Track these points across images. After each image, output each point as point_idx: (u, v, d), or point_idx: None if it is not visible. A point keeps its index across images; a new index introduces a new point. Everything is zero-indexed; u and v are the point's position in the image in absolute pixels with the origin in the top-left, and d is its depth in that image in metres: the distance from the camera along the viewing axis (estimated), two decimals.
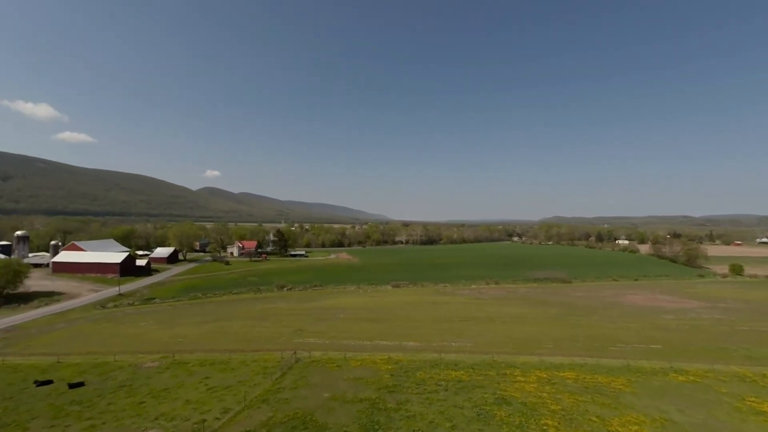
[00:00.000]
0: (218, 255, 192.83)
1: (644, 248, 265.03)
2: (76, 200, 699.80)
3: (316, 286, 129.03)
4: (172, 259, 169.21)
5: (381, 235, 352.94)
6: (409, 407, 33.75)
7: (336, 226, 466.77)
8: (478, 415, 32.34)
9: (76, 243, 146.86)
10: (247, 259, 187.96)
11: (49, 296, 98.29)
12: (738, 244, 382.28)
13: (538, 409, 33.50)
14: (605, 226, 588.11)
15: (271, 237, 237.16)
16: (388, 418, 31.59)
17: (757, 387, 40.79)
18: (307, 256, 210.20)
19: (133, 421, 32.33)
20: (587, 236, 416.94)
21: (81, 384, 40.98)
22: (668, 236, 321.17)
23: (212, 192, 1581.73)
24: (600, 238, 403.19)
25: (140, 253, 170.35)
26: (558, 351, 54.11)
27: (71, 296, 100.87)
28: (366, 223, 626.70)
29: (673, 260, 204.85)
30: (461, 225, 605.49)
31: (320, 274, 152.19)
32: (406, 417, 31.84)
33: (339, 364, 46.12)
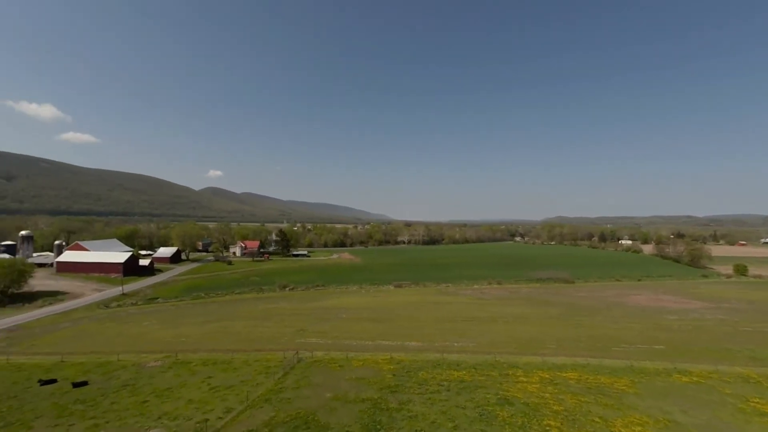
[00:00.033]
0: (221, 255, 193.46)
1: (647, 248, 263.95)
2: (79, 200, 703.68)
3: (318, 286, 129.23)
4: (175, 259, 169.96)
5: (383, 235, 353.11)
6: (411, 407, 33.72)
7: (338, 226, 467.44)
8: (481, 415, 32.28)
9: (79, 243, 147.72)
10: (250, 259, 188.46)
11: (53, 296, 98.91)
12: (742, 245, 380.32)
13: (541, 410, 33.39)
14: (608, 226, 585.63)
15: (274, 237, 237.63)
16: (390, 418, 31.59)
17: (761, 388, 40.50)
18: (309, 256, 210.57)
19: (136, 420, 32.46)
20: (590, 236, 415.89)
21: (85, 383, 41.20)
22: (672, 236, 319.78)
23: (215, 192, 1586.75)
24: (603, 238, 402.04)
25: (143, 252, 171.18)
26: (561, 351, 53.93)
27: (75, 296, 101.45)
28: (368, 223, 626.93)
29: (677, 260, 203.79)
30: (463, 225, 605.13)
31: (322, 274, 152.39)
32: (408, 417, 31.82)
33: (341, 364, 46.15)
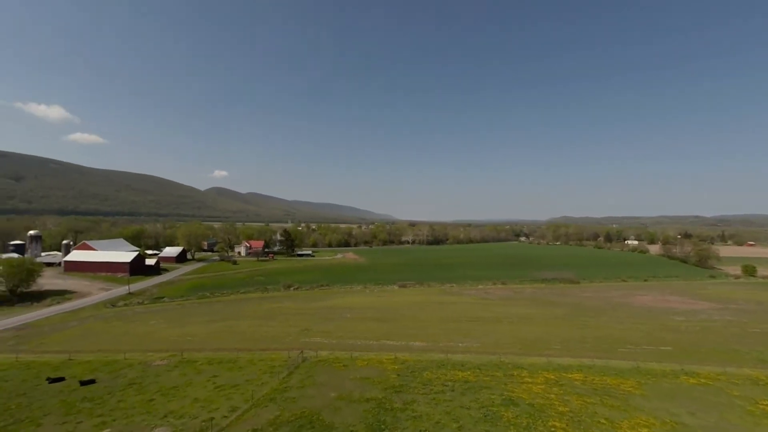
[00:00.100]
0: (226, 254, 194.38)
1: (654, 249, 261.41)
2: (87, 200, 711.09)
3: (322, 285, 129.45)
4: (181, 258, 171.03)
5: (387, 235, 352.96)
6: (415, 407, 33.71)
7: (342, 225, 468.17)
8: (485, 416, 32.19)
9: (87, 242, 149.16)
10: (255, 258, 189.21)
11: (61, 295, 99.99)
12: (751, 245, 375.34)
13: (546, 411, 33.24)
14: (614, 226, 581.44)
15: (278, 237, 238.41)
16: (395, 418, 31.59)
17: None
18: (313, 256, 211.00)
19: (142, 418, 32.74)
20: (596, 236, 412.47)
21: (92, 381, 41.62)
22: (679, 236, 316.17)
23: (220, 192, 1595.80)
24: (609, 238, 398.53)
25: (149, 252, 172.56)
26: (566, 352, 53.63)
27: (82, 295, 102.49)
28: (372, 223, 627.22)
29: (684, 261, 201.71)
30: (468, 225, 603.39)
31: (327, 273, 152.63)
32: (413, 417, 31.81)
33: (345, 364, 46.23)
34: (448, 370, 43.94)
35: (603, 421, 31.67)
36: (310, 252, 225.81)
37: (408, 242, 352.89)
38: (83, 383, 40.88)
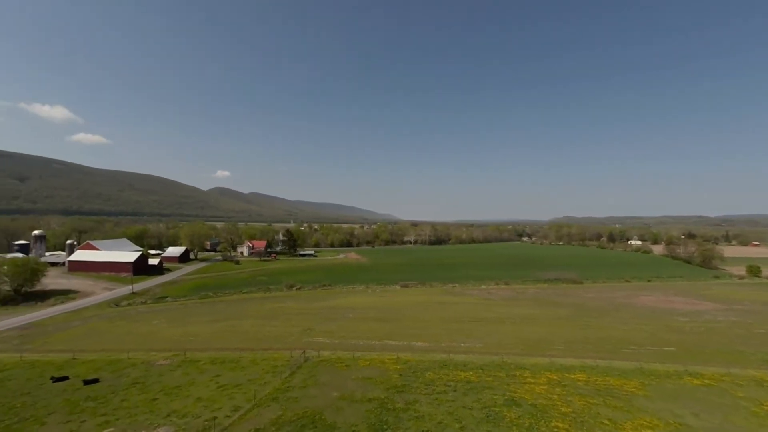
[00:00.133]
0: (228, 254, 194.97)
1: (657, 249, 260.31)
2: (90, 200, 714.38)
3: (325, 285, 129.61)
4: (184, 258, 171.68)
5: (390, 235, 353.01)
6: (417, 407, 33.67)
7: (345, 225, 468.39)
8: (488, 416, 32.11)
9: (90, 242, 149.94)
10: (257, 258, 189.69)
11: (65, 294, 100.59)
12: (755, 245, 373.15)
13: (549, 411, 33.12)
14: (617, 226, 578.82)
15: (281, 237, 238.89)
16: (397, 419, 31.56)
17: None
18: (316, 256, 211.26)
19: (146, 417, 32.86)
20: (598, 236, 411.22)
21: (96, 380, 41.83)
22: (683, 237, 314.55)
23: (222, 192, 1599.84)
24: (612, 238, 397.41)
25: (153, 252, 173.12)
26: (569, 352, 53.44)
27: (86, 294, 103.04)
28: (375, 223, 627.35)
29: (688, 261, 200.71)
30: (470, 225, 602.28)
31: (329, 273, 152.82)
32: (415, 417, 31.77)
33: (348, 364, 46.24)
34: (450, 371, 43.86)
35: (606, 422, 31.53)
36: (312, 252, 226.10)
37: (410, 242, 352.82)
38: (87, 382, 41.10)
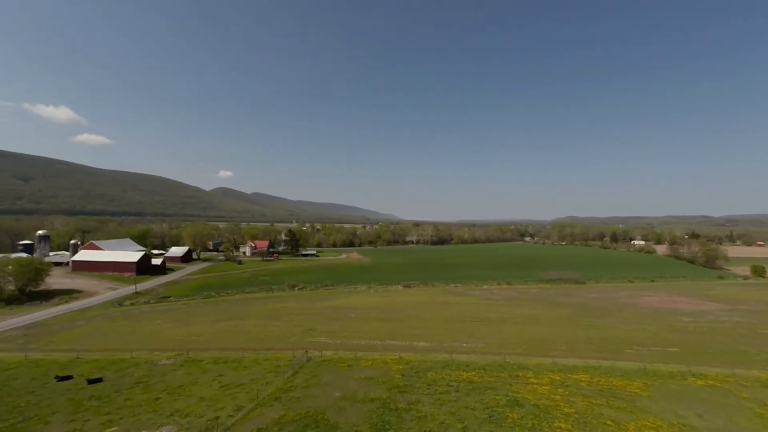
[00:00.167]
0: (231, 254, 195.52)
1: (661, 249, 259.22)
2: (94, 200, 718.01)
3: (327, 285, 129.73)
4: (187, 258, 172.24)
5: (392, 235, 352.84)
6: (420, 408, 33.66)
7: (347, 226, 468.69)
8: (490, 416, 32.06)
9: (94, 242, 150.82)
10: (260, 258, 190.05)
11: (69, 294, 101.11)
12: (760, 245, 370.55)
13: (551, 412, 33.03)
14: (620, 226, 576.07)
15: (283, 237, 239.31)
16: (399, 419, 31.56)
17: None
18: (318, 256, 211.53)
19: (149, 416, 33.00)
20: (601, 236, 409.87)
21: (99, 380, 42.04)
22: (686, 237, 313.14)
23: (225, 192, 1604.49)
24: (615, 238, 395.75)
25: (156, 252, 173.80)
26: (571, 353, 53.28)
27: (90, 294, 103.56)
28: (377, 223, 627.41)
29: (691, 261, 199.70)
30: (472, 225, 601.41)
31: (331, 273, 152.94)
32: (417, 417, 31.77)
33: (350, 364, 46.27)
34: (452, 371, 43.82)
35: (609, 422, 31.42)
36: (314, 252, 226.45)
37: (412, 242, 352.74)
38: (91, 382, 41.31)
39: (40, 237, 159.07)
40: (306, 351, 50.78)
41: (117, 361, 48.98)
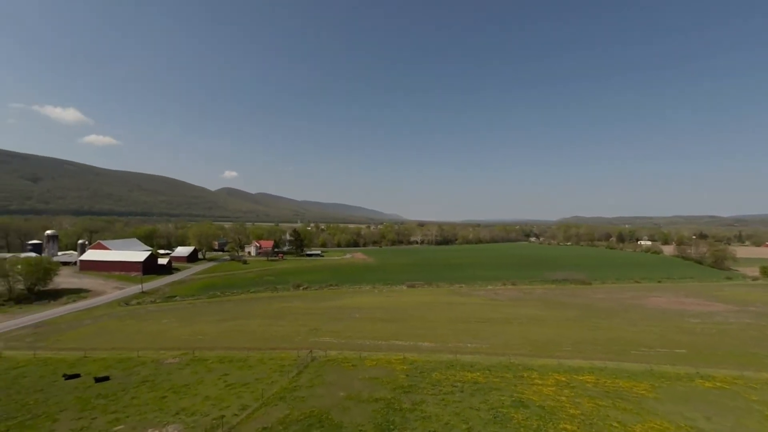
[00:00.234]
0: (236, 254, 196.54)
1: (668, 249, 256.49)
2: (101, 201, 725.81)
3: (331, 285, 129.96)
4: (192, 258, 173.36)
5: (396, 235, 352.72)
6: (424, 408, 33.61)
7: (351, 226, 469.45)
8: (495, 417, 31.94)
9: (101, 242, 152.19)
10: (264, 258, 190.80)
11: (77, 293, 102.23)
12: None
13: (557, 413, 32.83)
14: (626, 226, 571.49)
15: (288, 237, 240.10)
16: (404, 419, 31.54)
17: None
18: (322, 256, 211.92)
19: (155, 415, 33.26)
20: (608, 236, 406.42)
21: (106, 378, 42.45)
22: (694, 237, 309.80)
23: (230, 192, 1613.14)
24: (621, 238, 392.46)
25: (162, 252, 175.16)
26: (577, 354, 52.93)
27: (97, 293, 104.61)
28: (381, 223, 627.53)
29: (699, 262, 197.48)
30: (477, 225, 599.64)
31: (336, 273, 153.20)
32: (422, 418, 31.73)
33: (354, 364, 46.32)
34: (457, 371, 43.72)
35: (615, 424, 31.16)
36: (319, 252, 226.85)
37: (417, 242, 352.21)
38: (98, 380, 41.74)
39: (49, 237, 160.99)
40: (310, 351, 50.92)
41: (124, 360, 49.44)
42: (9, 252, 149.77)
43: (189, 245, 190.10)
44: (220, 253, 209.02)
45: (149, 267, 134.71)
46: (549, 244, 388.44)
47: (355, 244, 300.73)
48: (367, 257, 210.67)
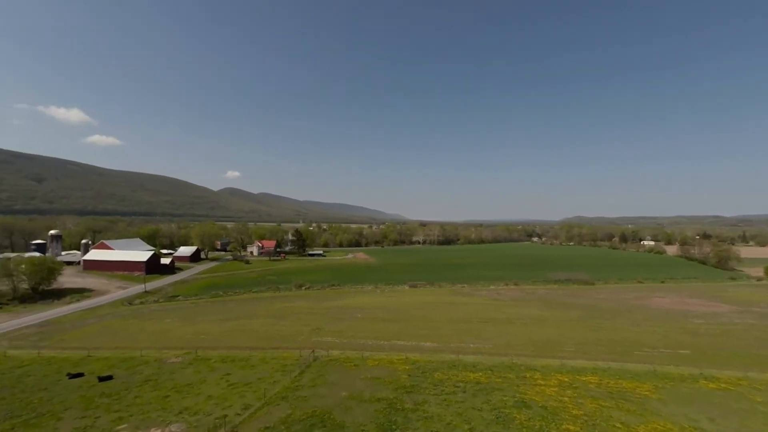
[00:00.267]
0: (239, 254, 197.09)
1: (671, 249, 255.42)
2: (104, 201, 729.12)
3: (333, 285, 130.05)
4: (195, 257, 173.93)
5: (398, 235, 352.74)
6: (426, 408, 33.60)
7: (353, 226, 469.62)
8: (497, 418, 31.88)
9: (105, 242, 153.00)
10: (267, 258, 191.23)
11: (80, 293, 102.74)
12: None
13: (560, 414, 32.74)
14: (629, 226, 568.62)
15: (290, 237, 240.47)
16: (406, 419, 31.53)
17: None
18: (324, 256, 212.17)
19: (158, 414, 33.38)
20: (610, 237, 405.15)
21: (110, 377, 42.67)
22: (697, 237, 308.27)
23: (232, 192, 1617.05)
24: (624, 238, 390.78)
25: (165, 251, 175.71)
26: (580, 354, 52.78)
27: (100, 293, 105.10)
28: (383, 223, 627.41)
29: (703, 262, 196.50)
30: (479, 225, 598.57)
31: (338, 273, 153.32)
32: (424, 418, 31.71)
33: (356, 364, 46.36)
34: (459, 371, 43.68)
35: (618, 425, 31.05)
36: (321, 252, 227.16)
37: (419, 242, 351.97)
38: (101, 379, 41.94)
39: (53, 237, 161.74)
40: (313, 350, 50.99)
41: (127, 359, 49.65)
42: (13, 252, 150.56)
43: (192, 245, 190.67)
44: (223, 253, 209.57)
45: (152, 267, 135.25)
46: (551, 244, 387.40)
47: (357, 244, 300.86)
48: (369, 257, 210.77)
